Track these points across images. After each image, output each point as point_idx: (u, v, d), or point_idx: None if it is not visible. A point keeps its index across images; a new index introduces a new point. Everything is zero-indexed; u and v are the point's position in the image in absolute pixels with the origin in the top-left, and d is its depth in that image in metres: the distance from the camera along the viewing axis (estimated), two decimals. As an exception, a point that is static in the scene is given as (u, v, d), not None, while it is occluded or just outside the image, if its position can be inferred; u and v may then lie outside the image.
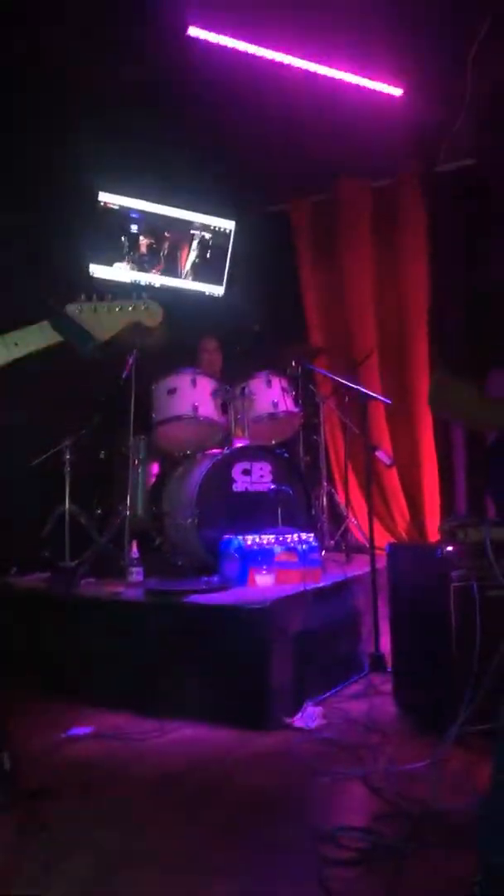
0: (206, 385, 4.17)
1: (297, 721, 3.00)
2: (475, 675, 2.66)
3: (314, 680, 3.22)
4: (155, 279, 5.50)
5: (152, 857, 2.00)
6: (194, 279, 5.65)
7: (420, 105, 4.38)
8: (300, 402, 4.40)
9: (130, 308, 2.07)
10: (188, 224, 5.62)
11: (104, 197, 5.18)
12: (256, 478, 3.97)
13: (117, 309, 2.06)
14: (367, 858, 1.93)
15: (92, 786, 2.48)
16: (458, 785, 2.33)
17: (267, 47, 4.12)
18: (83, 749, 2.82)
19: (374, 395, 3.93)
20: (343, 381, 4.11)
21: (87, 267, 5.16)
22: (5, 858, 1.99)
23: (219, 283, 5.75)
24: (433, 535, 4.60)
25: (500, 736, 1.69)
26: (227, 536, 3.68)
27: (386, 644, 3.45)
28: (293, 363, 4.43)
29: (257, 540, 3.58)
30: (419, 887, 1.80)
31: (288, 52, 4.16)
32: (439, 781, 2.36)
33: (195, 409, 4.04)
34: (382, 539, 4.70)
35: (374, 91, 4.30)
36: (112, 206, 5.26)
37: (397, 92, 4.33)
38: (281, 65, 4.17)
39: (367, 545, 3.87)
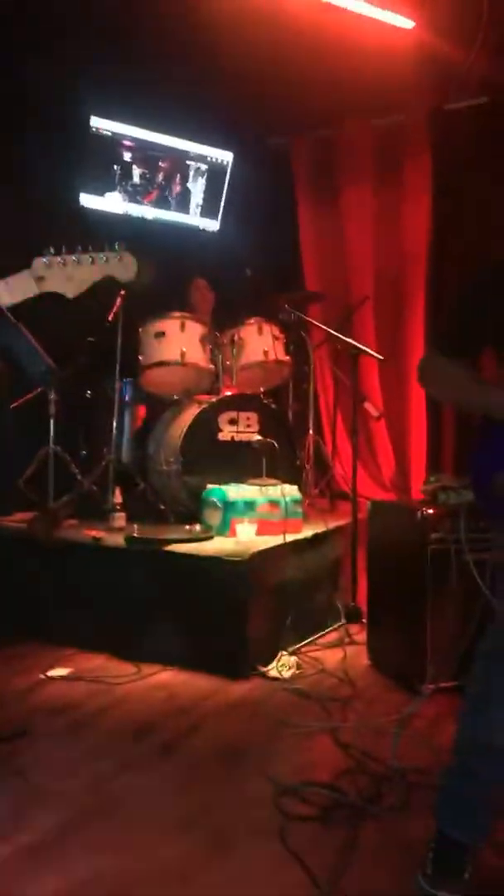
0: (195, 330, 4.08)
1: (272, 670, 3.08)
2: (448, 635, 2.72)
3: (291, 629, 3.28)
4: (147, 211, 5.32)
5: (118, 807, 2.06)
6: (188, 212, 5.47)
7: (431, 39, 4.14)
8: (291, 350, 4.33)
9: (103, 260, 1.94)
10: (184, 153, 5.40)
11: (96, 122, 4.95)
12: (243, 427, 3.95)
13: (89, 262, 1.94)
14: (328, 816, 2.00)
15: (67, 730, 2.55)
16: (423, 743, 2.40)
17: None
18: (60, 690, 2.89)
19: (366, 349, 3.86)
20: (335, 334, 4.02)
21: (77, 196, 4.97)
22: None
23: (214, 217, 5.57)
24: (417, 489, 4.61)
25: (465, 706, 1.74)
26: (210, 485, 3.69)
27: (363, 596, 3.51)
28: (286, 309, 4.33)
29: (240, 490, 3.59)
30: (376, 847, 1.87)
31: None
32: (404, 739, 2.43)
33: (183, 354, 3.97)
34: (367, 489, 4.72)
35: (383, 22, 4.05)
36: (104, 131, 5.03)
37: (408, 24, 4.08)
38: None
39: (351, 494, 3.89)
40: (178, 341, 4.01)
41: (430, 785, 2.02)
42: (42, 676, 2.99)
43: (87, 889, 1.72)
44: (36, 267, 1.93)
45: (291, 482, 3.79)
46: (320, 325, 4.12)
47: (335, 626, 3.63)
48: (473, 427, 1.83)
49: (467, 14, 3.95)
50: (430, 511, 2.90)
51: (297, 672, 3.09)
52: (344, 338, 3.98)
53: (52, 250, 1.95)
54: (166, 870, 1.79)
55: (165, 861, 1.83)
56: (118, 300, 4.05)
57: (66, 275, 1.93)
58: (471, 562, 2.38)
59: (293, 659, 3.18)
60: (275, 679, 3.01)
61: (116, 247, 1.98)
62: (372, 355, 3.87)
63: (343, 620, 3.64)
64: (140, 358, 4.07)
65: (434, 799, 1.79)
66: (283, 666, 3.10)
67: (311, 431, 4.56)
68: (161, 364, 4.01)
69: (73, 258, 1.93)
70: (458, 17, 4.02)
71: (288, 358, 4.24)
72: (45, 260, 1.93)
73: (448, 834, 1.68)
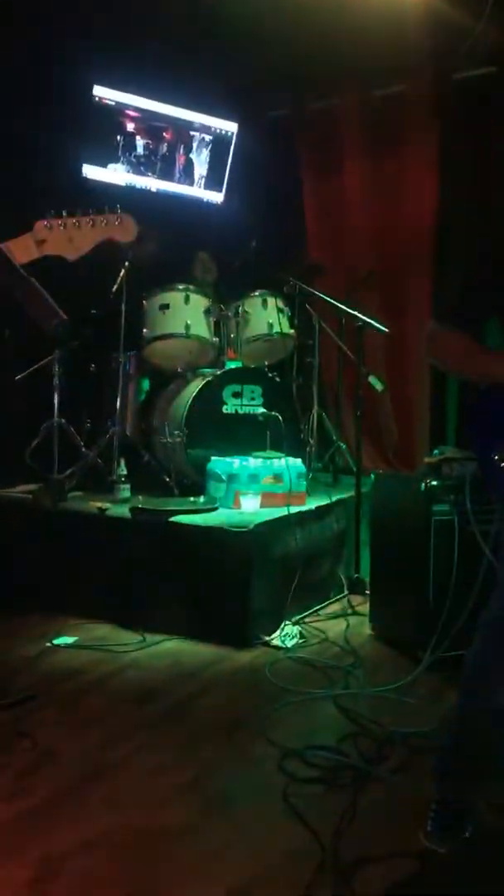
0: (199, 303, 4.07)
1: (275, 640, 3.11)
2: (450, 605, 2.75)
3: (294, 600, 3.31)
4: (151, 183, 5.27)
5: (123, 769, 2.10)
6: (192, 184, 5.41)
7: (439, 5, 4.06)
8: (296, 323, 4.32)
9: (103, 223, 1.94)
10: (188, 124, 5.32)
11: (99, 91, 4.87)
12: (247, 400, 3.95)
13: (89, 224, 1.94)
14: (331, 778, 2.04)
15: (74, 696, 2.59)
16: (425, 709, 2.44)
17: None
18: (66, 658, 2.93)
19: (371, 321, 3.84)
20: (340, 306, 4.00)
21: (80, 167, 4.92)
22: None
23: (218, 189, 5.51)
24: (421, 463, 4.61)
25: (466, 672, 1.76)
26: (214, 457, 3.70)
27: (366, 567, 3.54)
28: (290, 282, 4.30)
29: (245, 463, 3.60)
30: (378, 808, 1.90)
31: None
32: (407, 706, 2.47)
33: (188, 327, 3.96)
34: (371, 463, 4.72)
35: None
36: (108, 101, 4.95)
37: (416, -11, 4.01)
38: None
39: (355, 468, 3.90)
40: (182, 314, 3.99)
41: (431, 748, 2.06)
42: (48, 645, 3.03)
43: (98, 842, 1.76)
44: (37, 230, 1.93)
45: (296, 455, 3.80)
46: (326, 297, 4.09)
47: (338, 596, 3.66)
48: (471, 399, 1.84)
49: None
50: (434, 483, 2.92)
51: (301, 641, 3.13)
52: (349, 310, 3.96)
53: (52, 213, 1.94)
54: (170, 827, 1.83)
55: (169, 819, 1.87)
56: (122, 272, 4.02)
57: (67, 237, 1.93)
58: (476, 530, 2.40)
59: (296, 629, 3.22)
60: (278, 648, 3.05)
61: (117, 207, 1.98)
62: (377, 328, 3.85)
63: (346, 591, 3.68)
64: (144, 331, 4.06)
65: (436, 760, 1.83)
66: (286, 635, 3.14)
67: (315, 405, 4.56)
68: (165, 336, 4.00)
69: (74, 221, 1.93)
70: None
71: (292, 331, 4.22)
72: (45, 223, 1.93)
73: (449, 792, 1.72)
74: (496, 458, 1.70)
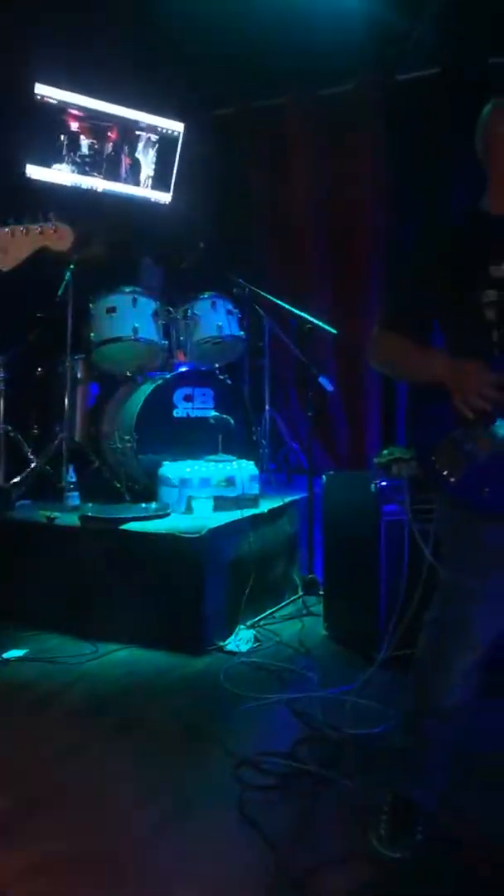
0: (147, 305, 4.02)
1: (230, 645, 3.10)
2: (401, 604, 2.78)
3: (249, 603, 3.31)
4: (97, 183, 5.19)
5: (79, 784, 2.07)
6: (139, 184, 5.35)
7: (383, 8, 4.09)
8: (245, 325, 4.31)
9: (38, 232, 1.90)
10: (134, 123, 5.25)
11: (41, 90, 4.76)
12: (198, 403, 3.93)
13: (23, 233, 1.89)
14: (286, 784, 2.04)
15: (24, 711, 2.53)
16: (378, 710, 2.46)
17: None
18: (17, 672, 2.87)
19: (320, 323, 3.85)
20: (288, 308, 4.00)
21: (24, 168, 4.81)
22: None
23: (165, 189, 5.46)
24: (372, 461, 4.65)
25: (413, 672, 1.78)
26: (166, 462, 3.67)
27: (320, 568, 3.55)
28: (239, 283, 4.29)
29: (196, 467, 3.58)
30: (333, 814, 1.91)
31: None
32: (360, 707, 2.48)
33: (135, 330, 3.91)
34: (323, 463, 4.75)
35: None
36: (50, 99, 4.85)
37: (358, -9, 4.03)
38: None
39: (307, 468, 3.91)
40: (130, 317, 3.94)
41: (385, 750, 2.07)
42: (-2, 658, 2.97)
43: (53, 862, 1.72)
44: None
45: (248, 457, 3.79)
46: (274, 299, 4.09)
47: (293, 598, 3.67)
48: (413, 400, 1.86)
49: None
50: (384, 483, 2.95)
51: (255, 645, 3.12)
52: (297, 312, 3.96)
53: None
54: (127, 843, 1.80)
55: (126, 835, 1.84)
56: (67, 275, 3.95)
57: (1, 247, 1.87)
58: (414, 530, 2.43)
59: (251, 632, 3.22)
60: (232, 653, 3.04)
61: (51, 217, 1.93)
62: (325, 329, 3.87)
63: (300, 592, 3.68)
64: (91, 334, 4.00)
65: (389, 763, 1.84)
66: (240, 640, 3.14)
67: (267, 406, 4.56)
68: (113, 340, 3.95)
69: (7, 230, 1.88)
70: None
71: (242, 333, 4.21)
72: None
73: (401, 795, 1.73)
74: (433, 458, 1.72)
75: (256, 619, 3.38)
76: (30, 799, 1.99)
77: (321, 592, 3.51)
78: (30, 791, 2.02)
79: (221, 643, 3.10)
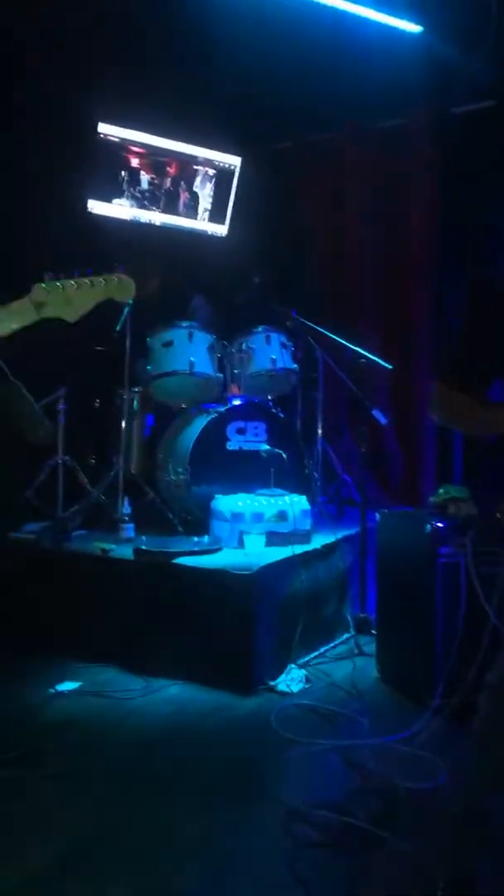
0: (203, 340, 4.07)
1: (281, 685, 3.07)
2: (458, 650, 2.71)
3: (300, 641, 3.27)
4: (155, 217, 5.30)
5: (129, 832, 2.06)
6: (196, 217, 5.45)
7: (438, 43, 4.10)
8: (299, 357, 4.31)
9: (102, 284, 1.94)
10: (192, 158, 5.37)
11: (104, 128, 4.93)
12: (251, 436, 3.94)
13: (88, 285, 1.93)
14: (336, 841, 1.99)
15: (76, 749, 2.55)
16: (432, 761, 2.39)
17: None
18: (70, 706, 2.90)
19: (374, 357, 3.83)
20: (342, 342, 4.00)
21: (85, 203, 4.96)
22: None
23: (221, 222, 5.54)
24: (426, 496, 4.58)
25: (474, 741, 1.72)
26: (219, 495, 3.68)
27: (372, 605, 3.50)
28: (294, 316, 4.31)
29: (249, 501, 3.58)
30: (384, 877, 1.86)
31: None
32: (413, 756, 2.42)
33: (192, 364, 3.96)
34: (375, 496, 4.69)
35: (390, 27, 4.01)
36: (112, 138, 5.01)
37: (416, 29, 4.04)
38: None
39: (360, 501, 3.87)
40: (186, 351, 4.00)
41: (442, 813, 2.00)
42: (51, 691, 3.00)
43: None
44: (36, 293, 1.92)
45: (300, 490, 3.78)
46: (328, 333, 4.09)
47: (345, 637, 3.62)
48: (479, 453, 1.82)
49: (475, 17, 3.90)
50: (440, 524, 2.89)
51: (307, 686, 3.08)
52: (352, 346, 3.95)
53: (50, 274, 1.94)
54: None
55: (176, 887, 1.82)
56: (126, 309, 4.03)
57: (66, 299, 1.92)
58: (477, 586, 2.36)
59: (302, 672, 3.17)
60: (283, 694, 3.00)
61: (116, 268, 1.98)
62: (380, 364, 3.85)
63: (353, 631, 3.63)
64: (149, 367, 4.06)
65: (445, 828, 1.78)
66: (292, 679, 3.10)
67: (319, 438, 4.55)
68: (170, 374, 4.01)
69: (72, 283, 1.92)
70: (465, 21, 3.97)
71: (296, 366, 4.22)
72: (44, 285, 1.92)
73: (460, 871, 1.66)
74: (499, 515, 1.68)
75: (308, 657, 3.34)
76: (79, 844, 1.99)
77: (374, 632, 3.45)
78: (79, 836, 2.02)
79: (272, 682, 3.07)
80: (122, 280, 1.95)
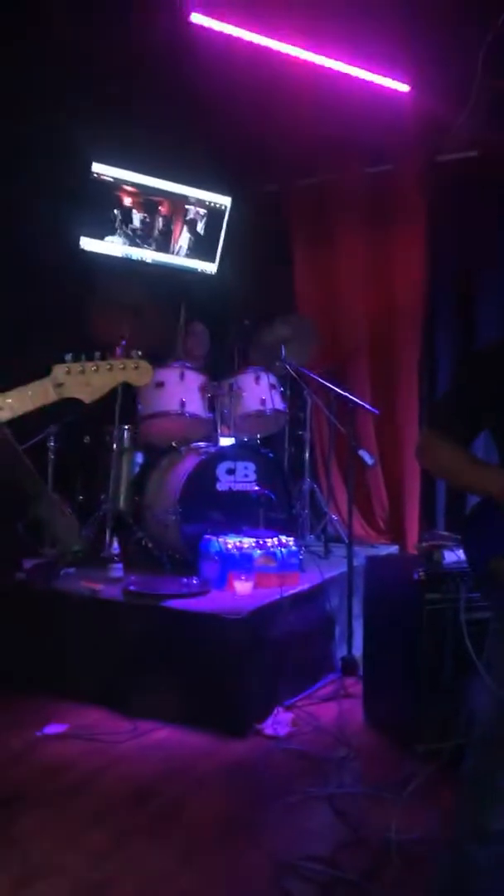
0: (194, 380, 4.13)
1: (268, 728, 3.09)
2: (445, 696, 2.75)
3: (287, 683, 3.30)
4: (147, 254, 5.39)
5: (118, 884, 2.06)
6: (187, 255, 5.54)
7: (425, 98, 4.24)
8: (287, 397, 4.39)
9: (121, 367, 2.01)
10: (183, 198, 5.48)
11: (97, 168, 5.02)
12: (240, 477, 3.98)
13: (107, 369, 2.00)
14: (327, 895, 2.01)
15: (64, 796, 2.54)
16: (420, 809, 2.41)
17: (270, 37, 3.95)
18: (56, 750, 2.89)
19: (361, 402, 3.91)
20: (330, 386, 4.08)
21: (78, 240, 5.03)
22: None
23: (211, 260, 5.64)
24: (412, 535, 4.65)
25: (461, 792, 1.75)
26: (208, 536, 3.71)
27: (359, 645, 3.53)
28: (282, 359, 4.39)
29: (238, 543, 3.61)
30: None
31: (292, 43, 4.00)
32: (402, 804, 2.44)
33: (183, 404, 4.02)
34: (362, 534, 4.75)
35: (379, 86, 4.16)
36: (105, 177, 5.10)
37: (404, 88, 4.19)
38: (284, 55, 4.01)
39: (347, 538, 3.92)
40: (177, 391, 4.05)
41: (428, 858, 2.03)
42: (37, 734, 2.99)
43: None
44: (56, 374, 1.97)
45: (288, 530, 3.82)
46: (316, 377, 4.17)
47: (331, 678, 3.64)
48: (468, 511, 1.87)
49: (461, 76, 4.04)
50: (425, 571, 2.94)
51: (293, 729, 3.10)
52: (340, 391, 4.03)
53: (70, 356, 1.99)
54: None
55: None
56: (119, 349, 4.08)
57: (85, 381, 1.98)
58: (466, 636, 2.41)
59: (289, 715, 3.19)
60: (270, 738, 3.02)
61: (134, 354, 2.05)
62: (368, 409, 3.93)
63: (339, 673, 3.65)
64: (139, 407, 4.11)
65: (430, 882, 1.81)
66: (278, 723, 3.12)
67: (307, 477, 4.61)
68: (161, 414, 4.05)
69: (92, 366, 1.98)
70: (451, 79, 4.12)
71: (284, 407, 4.29)
72: (65, 367, 1.98)
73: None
74: (492, 567, 1.72)
75: (294, 699, 3.36)
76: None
77: (360, 674, 3.48)
78: (69, 888, 2.02)
79: (259, 726, 3.08)
80: (140, 365, 2.02)
